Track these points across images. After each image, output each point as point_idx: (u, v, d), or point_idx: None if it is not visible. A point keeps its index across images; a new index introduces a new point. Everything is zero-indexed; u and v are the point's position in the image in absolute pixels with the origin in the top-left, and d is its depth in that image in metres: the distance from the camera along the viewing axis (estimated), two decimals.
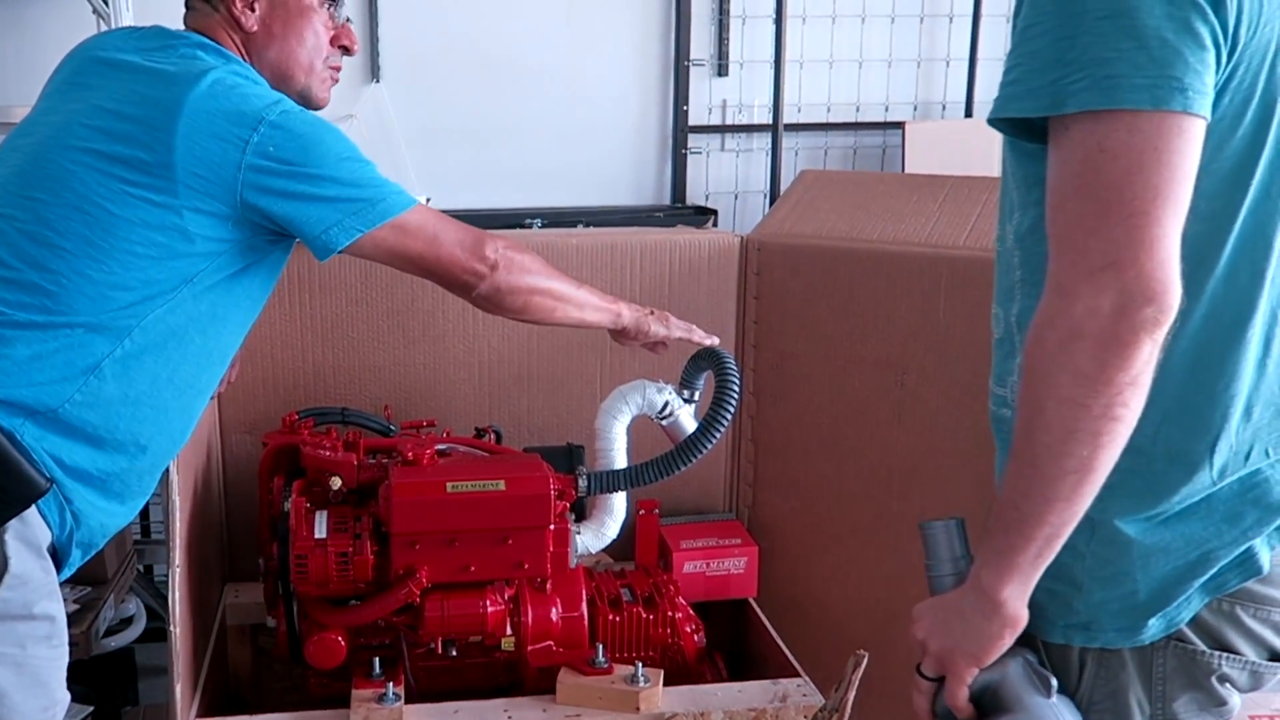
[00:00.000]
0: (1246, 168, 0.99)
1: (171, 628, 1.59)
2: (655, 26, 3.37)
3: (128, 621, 2.48)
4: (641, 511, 2.10)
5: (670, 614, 1.90)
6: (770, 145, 3.41)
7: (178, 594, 1.61)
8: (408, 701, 1.70)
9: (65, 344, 1.40)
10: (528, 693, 1.78)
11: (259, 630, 2.06)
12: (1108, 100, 0.91)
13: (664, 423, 1.93)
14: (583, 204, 3.35)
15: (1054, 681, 1.06)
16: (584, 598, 1.84)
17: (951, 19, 3.52)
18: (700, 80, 3.42)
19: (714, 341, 1.90)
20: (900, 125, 3.40)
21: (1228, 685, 1.08)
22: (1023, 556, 1.01)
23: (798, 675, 1.86)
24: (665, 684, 1.75)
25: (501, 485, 1.68)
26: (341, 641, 1.69)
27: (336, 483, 1.72)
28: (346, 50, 1.72)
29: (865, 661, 1.46)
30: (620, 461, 1.90)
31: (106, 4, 2.53)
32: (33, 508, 1.36)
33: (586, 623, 1.83)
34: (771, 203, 3.32)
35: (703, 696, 1.76)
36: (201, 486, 1.92)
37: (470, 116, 3.26)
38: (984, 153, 2.91)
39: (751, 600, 2.19)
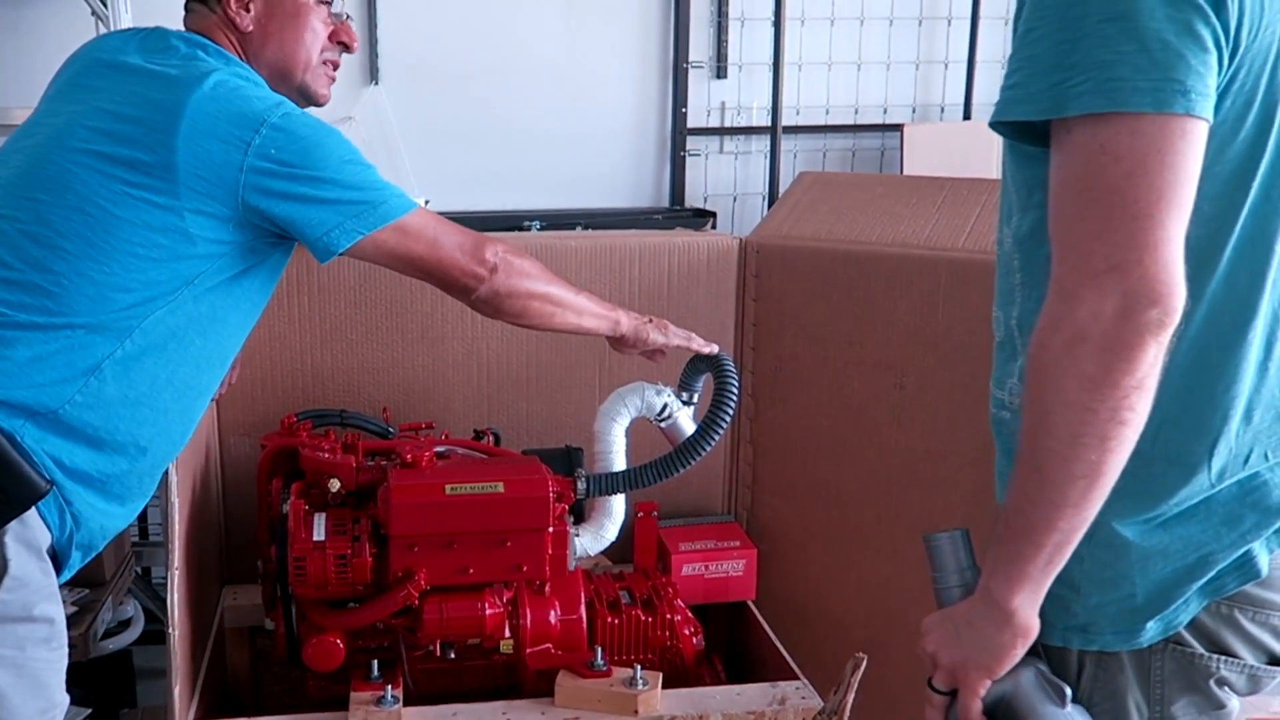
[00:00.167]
0: (1247, 171, 0.99)
1: (170, 630, 1.59)
2: (654, 29, 3.38)
3: (126, 624, 2.48)
4: (640, 514, 2.10)
5: (669, 616, 1.89)
6: (769, 147, 3.42)
7: (176, 596, 1.61)
8: (406, 704, 1.70)
9: (66, 345, 1.40)
10: (526, 695, 1.78)
11: (257, 632, 2.06)
12: (1110, 103, 0.91)
13: (663, 425, 1.93)
14: (581, 206, 3.36)
15: (1068, 691, 1.05)
16: (583, 600, 1.84)
17: (950, 21, 3.52)
18: (699, 82, 3.43)
19: (713, 349, 1.90)
20: (899, 127, 3.40)
21: (1226, 688, 1.08)
22: (1033, 565, 1.00)
23: (796, 678, 1.86)
24: (664, 686, 1.75)
25: (500, 487, 1.68)
26: (340, 644, 1.68)
27: (335, 485, 1.72)
28: (346, 47, 1.71)
29: (864, 664, 1.46)
30: (619, 464, 1.90)
31: (105, 5, 2.53)
32: (32, 509, 1.35)
33: (585, 625, 1.83)
34: (770, 205, 3.32)
35: (701, 699, 1.76)
36: (200, 488, 1.92)
37: (469, 119, 3.26)
38: (982, 155, 2.92)
39: (750, 603, 2.19)
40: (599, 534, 1.90)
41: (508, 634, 1.77)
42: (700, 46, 3.40)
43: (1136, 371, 0.92)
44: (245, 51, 1.63)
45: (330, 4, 1.68)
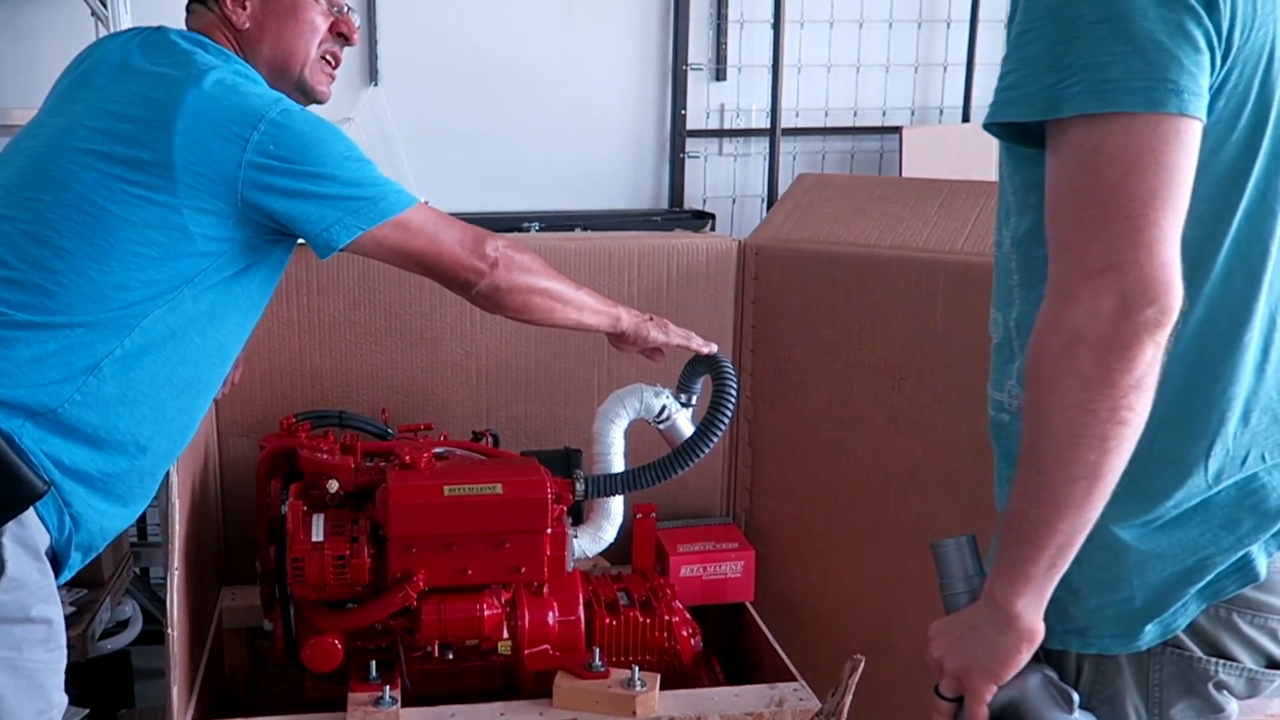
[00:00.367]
0: (1242, 171, 0.99)
1: (169, 630, 1.59)
2: (653, 31, 3.38)
3: (124, 624, 2.48)
4: (639, 515, 2.10)
5: (667, 618, 1.89)
6: (768, 149, 3.42)
7: (176, 597, 1.61)
8: (404, 705, 1.70)
9: (65, 344, 1.40)
10: (524, 696, 1.78)
11: (255, 633, 2.06)
12: (1103, 104, 0.91)
13: (661, 427, 1.93)
14: (580, 208, 3.35)
15: (1075, 696, 1.05)
16: (581, 601, 1.84)
17: (949, 24, 3.52)
18: (698, 84, 3.43)
19: (712, 349, 1.90)
20: (897, 130, 3.41)
21: (1225, 692, 1.08)
22: (1035, 567, 1.00)
23: (794, 679, 1.86)
24: (662, 688, 1.75)
25: (499, 489, 1.68)
26: (338, 645, 1.68)
27: (334, 486, 1.72)
28: (345, 39, 1.71)
29: (862, 666, 1.46)
30: (618, 465, 1.90)
31: (105, 6, 2.53)
32: (30, 510, 1.35)
33: (583, 626, 1.83)
34: (769, 207, 3.32)
35: (699, 700, 1.76)
36: (199, 489, 1.92)
37: (468, 120, 3.26)
38: (981, 157, 2.92)
39: (748, 604, 2.19)
40: (597, 535, 1.90)
41: (506, 635, 1.77)
42: (699, 49, 3.40)
43: (1134, 371, 0.92)
44: (243, 49, 1.63)
45: None
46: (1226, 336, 1.02)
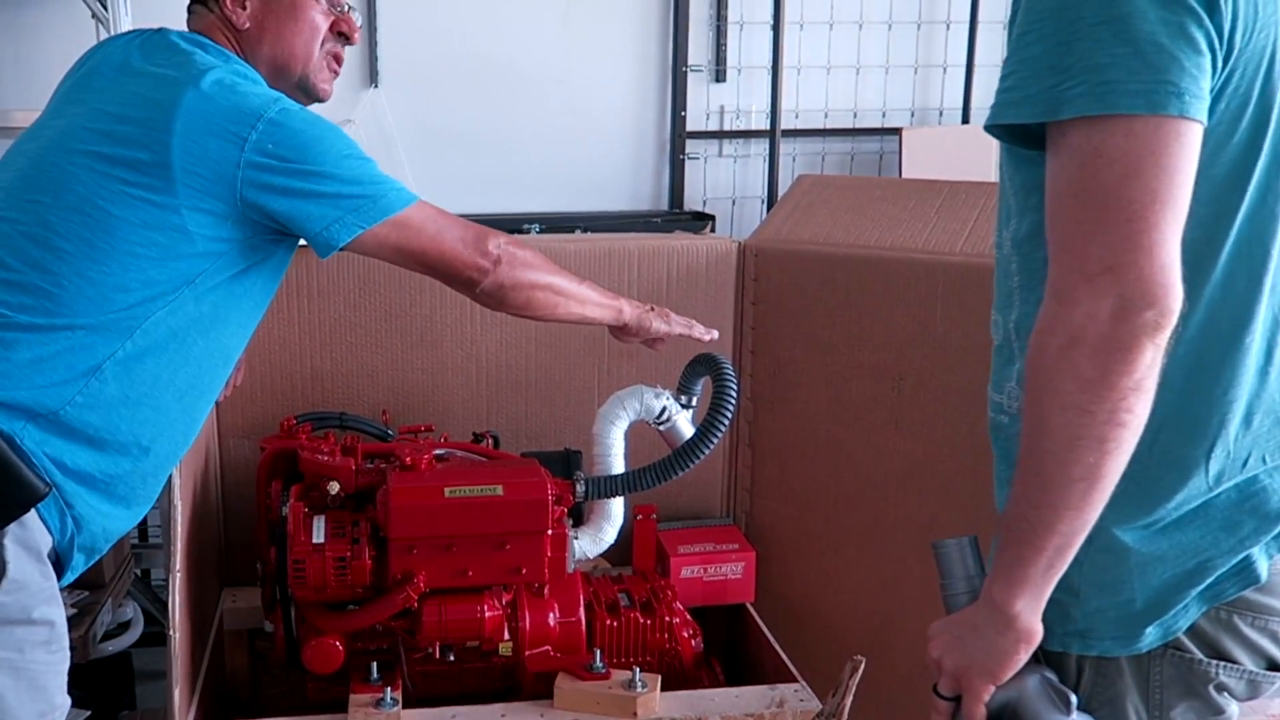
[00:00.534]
0: (1243, 173, 0.99)
1: (170, 632, 1.59)
2: (653, 32, 3.38)
3: (125, 626, 2.48)
4: (639, 516, 2.11)
5: (668, 619, 1.90)
6: (768, 151, 3.42)
7: (178, 598, 1.61)
8: (405, 706, 1.70)
9: (66, 346, 1.40)
10: (525, 698, 1.78)
11: (256, 635, 2.06)
12: (1104, 106, 0.91)
13: (662, 428, 1.94)
14: (580, 209, 3.35)
15: (1073, 698, 1.05)
16: (581, 603, 1.84)
17: (948, 25, 3.52)
18: (698, 86, 3.43)
19: (714, 336, 1.90)
20: (897, 131, 3.40)
21: (1225, 694, 1.08)
22: (1034, 568, 1.00)
23: (795, 680, 1.86)
24: (663, 689, 1.75)
25: (499, 490, 1.69)
26: (339, 646, 1.69)
27: (334, 487, 1.72)
28: (346, 38, 1.70)
29: (862, 666, 1.46)
30: (618, 466, 1.90)
31: (105, 8, 2.53)
32: (32, 512, 1.35)
33: (584, 628, 1.83)
34: (769, 208, 3.32)
35: (700, 702, 1.76)
36: (200, 491, 1.92)
37: (468, 121, 3.26)
38: (980, 158, 2.92)
39: (749, 605, 2.19)
40: (598, 536, 1.91)
41: (507, 636, 1.77)
42: (699, 50, 3.40)
43: (1134, 373, 0.92)
44: (244, 49, 1.63)
45: None
46: (1227, 339, 1.02)
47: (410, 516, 1.66)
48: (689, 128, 3.42)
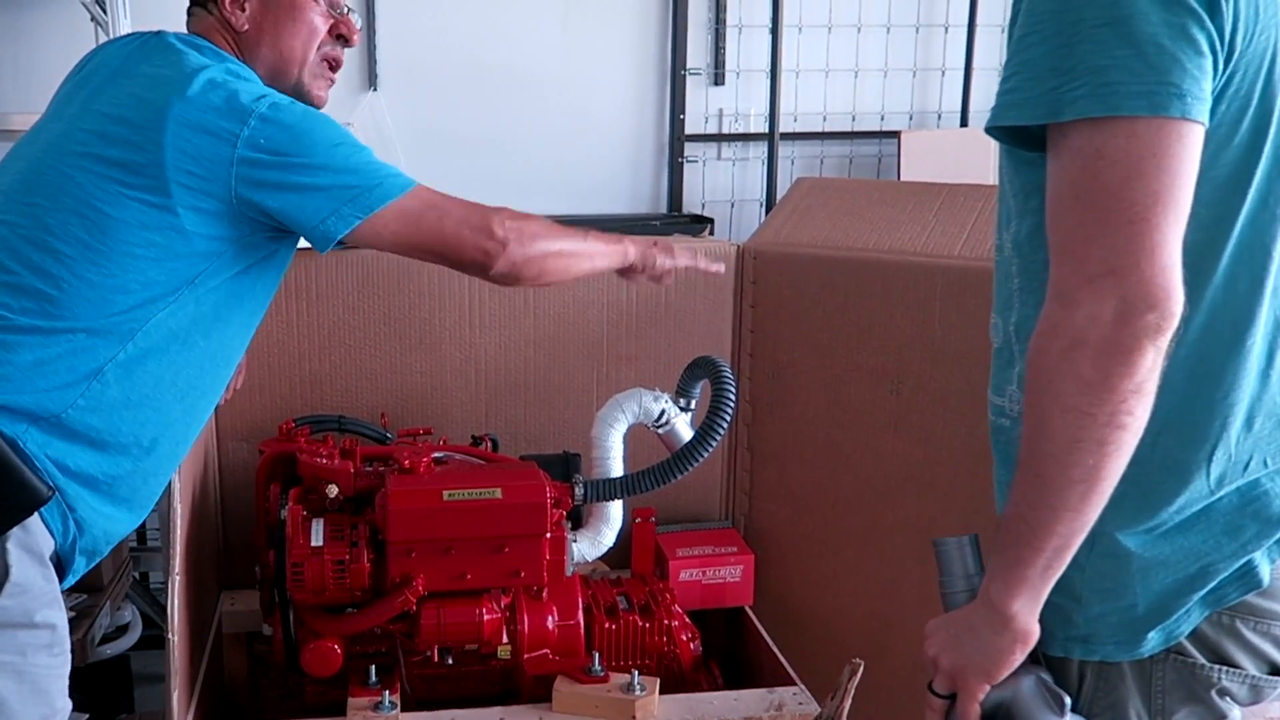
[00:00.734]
0: (1244, 175, 0.99)
1: (169, 635, 1.59)
2: (652, 35, 3.38)
3: (124, 629, 2.48)
4: (638, 519, 2.10)
5: (666, 622, 1.90)
6: (766, 154, 3.42)
7: (176, 602, 1.61)
8: (404, 709, 1.70)
9: (68, 349, 1.39)
10: (524, 701, 1.78)
11: (255, 638, 2.06)
12: (1105, 107, 0.91)
13: (660, 431, 1.94)
14: (579, 212, 3.35)
15: (1067, 700, 1.05)
16: (580, 606, 1.84)
17: (947, 29, 3.53)
18: (697, 89, 3.43)
19: (720, 269, 1.86)
20: (896, 134, 3.41)
21: (1227, 699, 1.07)
22: (1031, 569, 1.00)
23: (794, 684, 1.86)
24: (661, 692, 1.75)
25: (498, 493, 1.68)
26: (338, 649, 1.68)
27: (333, 490, 1.72)
28: (345, 40, 1.69)
29: (861, 670, 1.46)
30: (617, 469, 1.90)
31: (104, 11, 2.53)
32: (35, 515, 1.35)
33: (583, 631, 1.83)
34: (768, 211, 3.32)
35: (699, 705, 1.76)
36: (199, 494, 1.92)
37: (467, 125, 3.27)
38: (979, 161, 2.92)
39: (747, 608, 2.19)
40: (596, 540, 1.91)
41: (505, 639, 1.76)
42: (698, 53, 3.40)
43: (1134, 376, 0.92)
44: (243, 51, 1.62)
45: None
46: (1229, 341, 1.02)
47: (409, 520, 1.66)
48: (688, 131, 3.43)
